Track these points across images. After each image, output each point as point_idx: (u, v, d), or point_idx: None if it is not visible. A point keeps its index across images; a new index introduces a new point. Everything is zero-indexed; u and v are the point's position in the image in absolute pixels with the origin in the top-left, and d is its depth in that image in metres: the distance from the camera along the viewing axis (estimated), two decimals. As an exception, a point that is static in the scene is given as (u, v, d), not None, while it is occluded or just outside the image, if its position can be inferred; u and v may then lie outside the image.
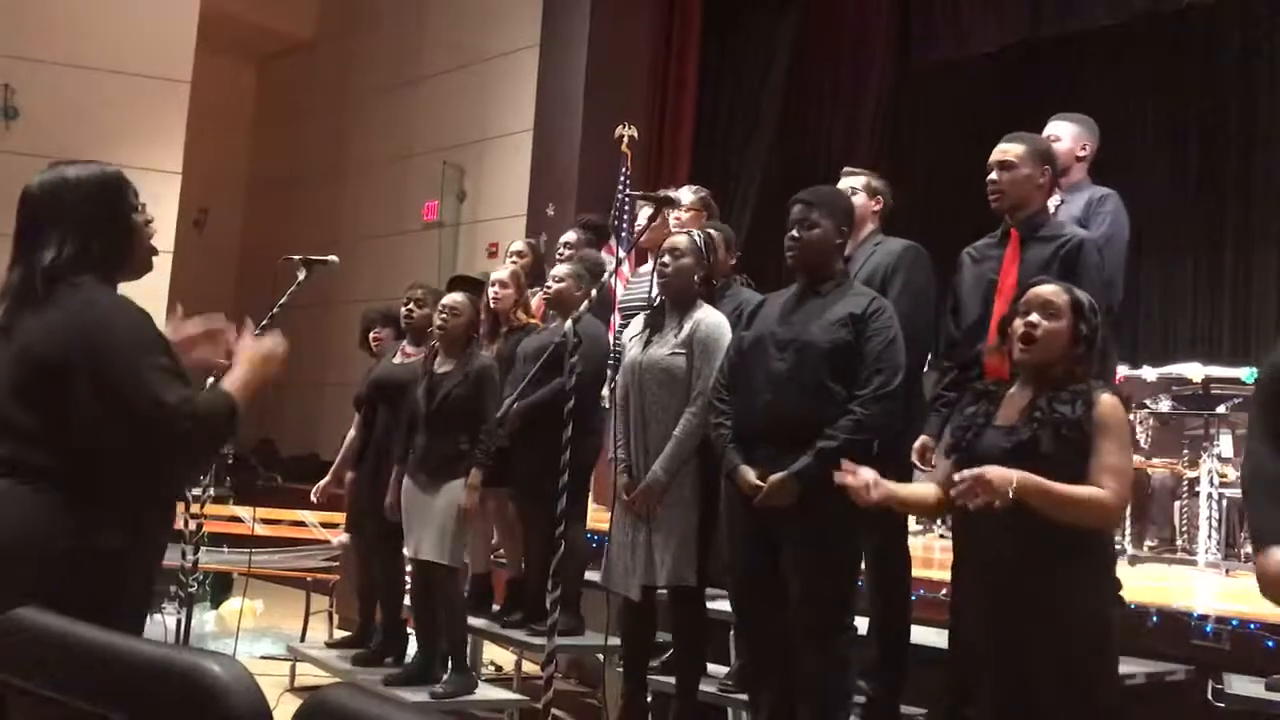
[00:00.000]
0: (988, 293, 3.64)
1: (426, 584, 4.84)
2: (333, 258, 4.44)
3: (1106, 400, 2.79)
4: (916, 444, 3.71)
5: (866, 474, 2.93)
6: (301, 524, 7.13)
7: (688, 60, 9.42)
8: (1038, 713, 2.79)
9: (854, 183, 4.20)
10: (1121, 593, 2.92)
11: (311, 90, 12.04)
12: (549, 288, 4.98)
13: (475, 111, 10.00)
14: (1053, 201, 4.21)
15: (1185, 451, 6.40)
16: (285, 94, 12.54)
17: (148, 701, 1.31)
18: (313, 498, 5.95)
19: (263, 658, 6.10)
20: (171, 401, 2.14)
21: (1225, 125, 9.27)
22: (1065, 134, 4.37)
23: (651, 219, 4.56)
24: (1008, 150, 3.71)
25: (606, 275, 4.71)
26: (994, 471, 2.62)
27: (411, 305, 5.27)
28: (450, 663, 4.79)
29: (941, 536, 7.60)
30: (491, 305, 5.26)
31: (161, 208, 8.83)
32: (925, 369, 4.24)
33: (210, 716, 1.24)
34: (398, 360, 5.29)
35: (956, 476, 2.68)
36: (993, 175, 3.70)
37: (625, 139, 7.79)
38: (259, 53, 12.75)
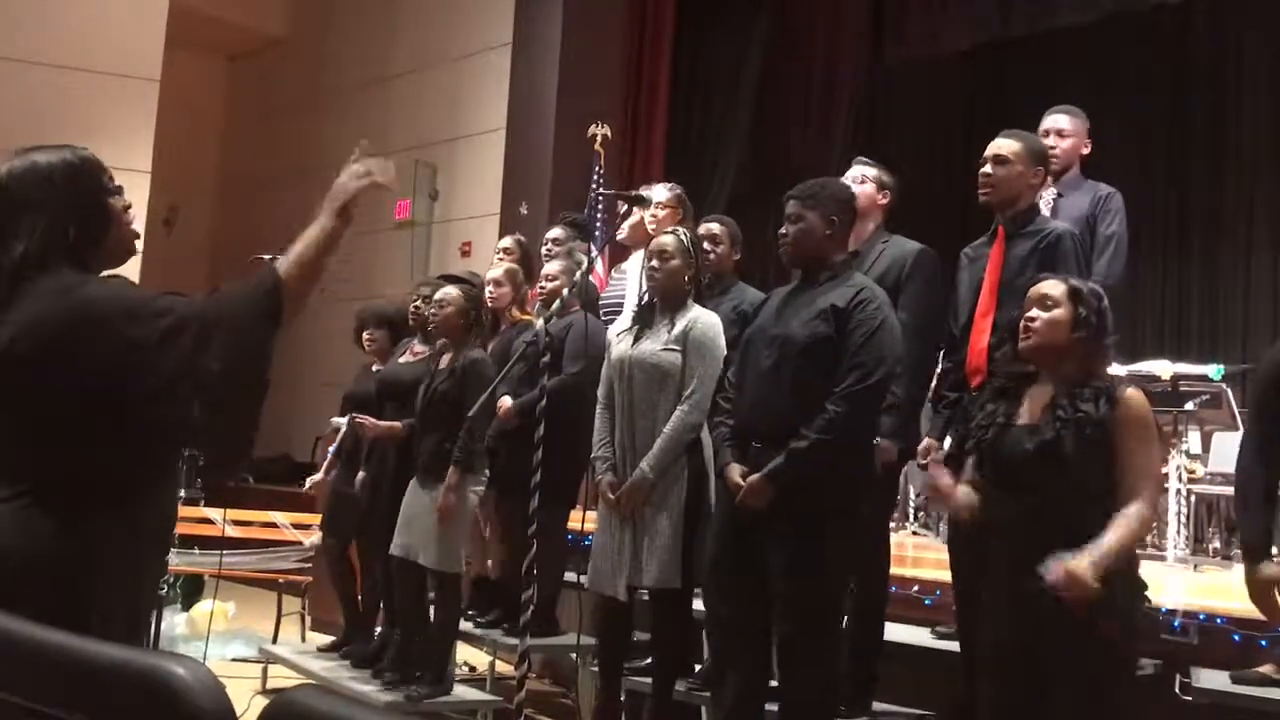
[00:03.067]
0: (977, 292, 3.63)
1: (417, 585, 4.76)
2: (303, 257, 4.36)
3: (1130, 396, 2.73)
4: (921, 445, 3.71)
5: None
6: (273, 525, 7.09)
7: (660, 59, 9.41)
8: (1052, 709, 2.72)
9: (865, 172, 4.12)
10: (1147, 592, 2.85)
11: (282, 88, 11.96)
12: (543, 286, 4.95)
13: (448, 110, 9.96)
14: (1050, 193, 4.19)
15: (1154, 448, 6.43)
16: (256, 92, 12.45)
17: (110, 704, 1.30)
18: (313, 494, 5.83)
19: (234, 660, 6.05)
20: (171, 324, 2.03)
21: (1194, 124, 9.36)
22: (1073, 129, 4.33)
23: (624, 217, 4.54)
24: (1004, 146, 3.65)
25: (577, 275, 4.69)
26: (1080, 568, 2.52)
27: (418, 301, 5.14)
28: (432, 666, 4.75)
29: (914, 534, 7.65)
30: (489, 304, 5.18)
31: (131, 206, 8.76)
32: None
33: (174, 719, 1.23)
34: (405, 359, 5.18)
35: (1050, 579, 2.56)
36: (986, 169, 3.64)
37: (598, 138, 7.77)
38: (229, 50, 12.65)
